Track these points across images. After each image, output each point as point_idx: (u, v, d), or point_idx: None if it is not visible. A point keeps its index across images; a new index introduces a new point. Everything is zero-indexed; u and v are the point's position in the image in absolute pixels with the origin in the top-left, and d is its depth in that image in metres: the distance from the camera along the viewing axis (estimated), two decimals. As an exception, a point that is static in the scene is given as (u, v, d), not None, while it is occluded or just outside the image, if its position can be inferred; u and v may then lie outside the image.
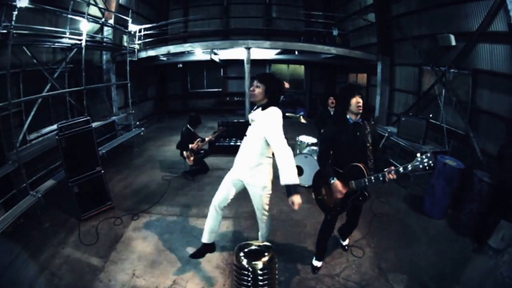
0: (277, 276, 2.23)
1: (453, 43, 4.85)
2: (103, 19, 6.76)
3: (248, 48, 7.10)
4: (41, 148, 4.60)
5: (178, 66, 10.00)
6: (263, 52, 8.39)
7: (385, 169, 2.23)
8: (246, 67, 7.17)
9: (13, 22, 3.75)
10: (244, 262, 2.06)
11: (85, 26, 5.35)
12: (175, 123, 9.28)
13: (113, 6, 6.91)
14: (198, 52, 8.26)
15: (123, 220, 3.73)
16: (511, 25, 3.70)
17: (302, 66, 11.47)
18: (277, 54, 8.94)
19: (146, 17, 9.17)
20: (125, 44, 7.27)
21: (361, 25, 8.26)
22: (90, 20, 5.65)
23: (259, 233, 2.91)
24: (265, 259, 2.07)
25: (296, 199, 2.13)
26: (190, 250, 3.14)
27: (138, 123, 8.14)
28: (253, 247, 2.18)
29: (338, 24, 9.31)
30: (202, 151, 5.23)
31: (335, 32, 9.13)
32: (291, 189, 2.15)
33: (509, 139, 3.84)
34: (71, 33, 5.31)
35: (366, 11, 7.87)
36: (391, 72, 7.21)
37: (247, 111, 7.15)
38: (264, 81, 2.40)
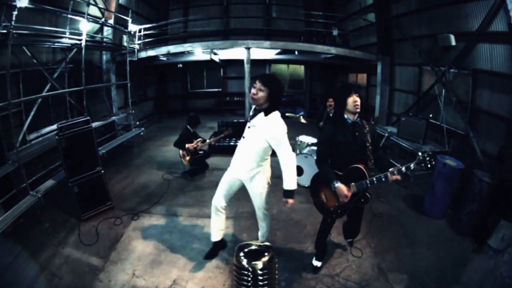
0: (277, 276, 2.24)
1: (453, 43, 4.85)
2: (103, 19, 6.76)
3: (248, 48, 7.10)
4: (41, 148, 4.60)
5: (178, 66, 10.01)
6: (263, 52, 8.39)
7: (389, 169, 2.20)
8: (246, 67, 7.17)
9: (13, 22, 3.75)
10: (244, 262, 2.07)
11: (85, 26, 5.35)
12: (175, 123, 9.29)
13: (113, 6, 6.91)
14: (198, 52, 8.26)
15: (123, 220, 3.73)
16: (511, 25, 3.70)
17: (302, 66, 11.47)
18: (277, 54, 8.94)
19: (146, 17, 9.17)
20: (125, 44, 7.26)
21: (361, 25, 8.26)
22: (90, 20, 5.64)
23: (259, 233, 2.92)
24: (265, 259, 2.07)
25: (291, 200, 2.43)
26: (190, 250, 3.15)
27: (138, 123, 8.14)
28: (253, 247, 2.18)
29: (338, 24, 9.31)
30: (201, 152, 5.22)
31: (335, 32, 9.13)
32: (290, 193, 2.41)
33: (509, 139, 3.84)
34: (71, 33, 5.31)
35: (366, 11, 7.88)
36: (391, 72, 7.21)
37: (247, 111, 7.15)
38: (268, 84, 2.28)
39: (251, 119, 2.45)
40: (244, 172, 2.52)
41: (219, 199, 2.69)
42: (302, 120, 4.89)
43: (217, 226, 2.79)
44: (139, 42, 7.69)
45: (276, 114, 2.33)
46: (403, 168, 2.13)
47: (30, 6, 3.97)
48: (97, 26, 6.74)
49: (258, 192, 2.56)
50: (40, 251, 3.10)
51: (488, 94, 4.39)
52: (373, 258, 3.05)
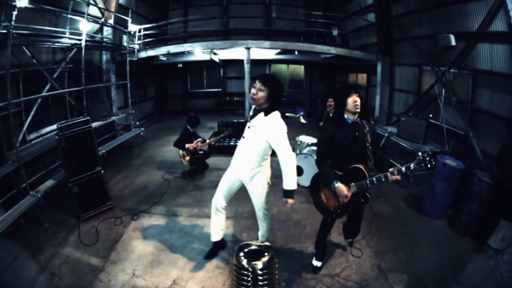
0: (277, 276, 2.24)
1: (453, 43, 4.85)
2: (102, 19, 6.76)
3: (248, 48, 7.10)
4: (41, 148, 4.60)
5: (178, 66, 10.01)
6: (263, 52, 8.38)
7: (389, 170, 2.20)
8: (246, 67, 7.17)
9: (13, 22, 3.74)
10: (244, 262, 2.07)
11: (85, 26, 5.35)
12: (175, 123, 9.28)
13: (112, 6, 6.90)
14: (198, 52, 8.26)
15: (123, 220, 3.73)
16: (511, 25, 3.70)
17: (302, 66, 11.46)
18: (277, 54, 8.94)
19: (146, 17, 9.17)
20: (125, 44, 7.26)
21: (361, 25, 8.25)
22: (90, 20, 5.64)
23: (259, 233, 2.92)
24: (265, 259, 2.07)
25: (291, 200, 2.42)
26: (190, 250, 3.15)
27: (137, 123, 8.14)
28: (253, 247, 2.18)
29: (338, 24, 9.31)
30: (201, 152, 5.22)
31: (335, 32, 9.13)
32: (289, 193, 2.41)
33: (509, 139, 3.84)
34: (71, 33, 5.31)
35: (366, 11, 7.87)
36: (391, 72, 7.21)
37: (247, 111, 7.14)
38: (268, 84, 2.28)
39: (251, 119, 2.45)
40: (244, 172, 2.52)
41: (219, 199, 2.70)
42: (302, 120, 4.88)
43: (217, 226, 2.80)
44: (139, 42, 7.68)
45: (276, 114, 2.33)
46: (403, 168, 2.13)
47: (30, 6, 3.97)
48: (97, 26, 6.74)
49: (258, 192, 2.57)
50: (40, 251, 3.10)
51: (488, 94, 4.39)
52: (373, 258, 3.05)
